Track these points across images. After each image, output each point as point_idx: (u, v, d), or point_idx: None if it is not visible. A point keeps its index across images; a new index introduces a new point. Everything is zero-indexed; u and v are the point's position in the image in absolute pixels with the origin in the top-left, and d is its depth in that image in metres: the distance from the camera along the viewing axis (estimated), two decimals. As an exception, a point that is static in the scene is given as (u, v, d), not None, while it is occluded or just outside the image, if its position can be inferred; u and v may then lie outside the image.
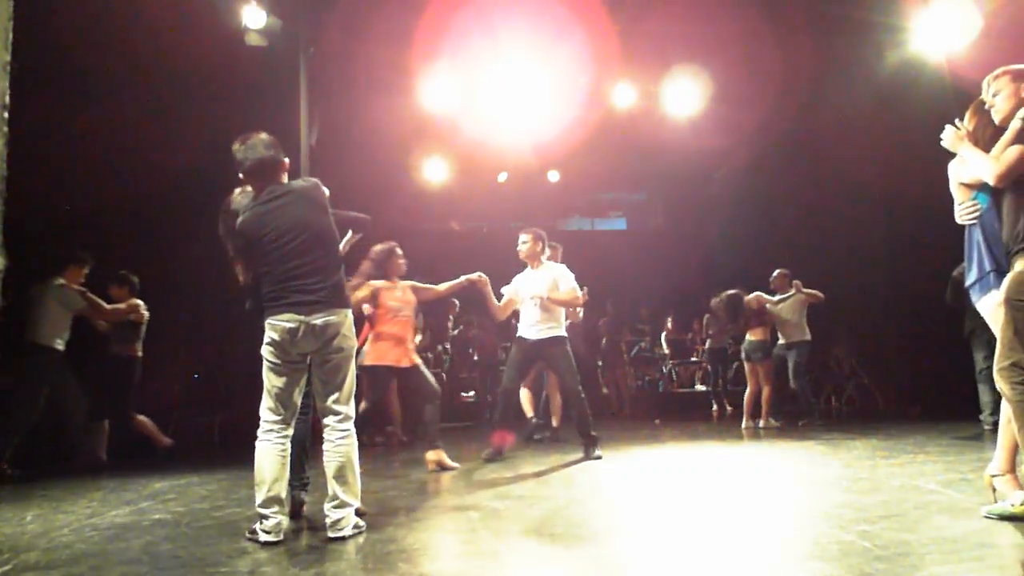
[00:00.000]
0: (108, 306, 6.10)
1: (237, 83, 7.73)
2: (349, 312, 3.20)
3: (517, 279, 5.86)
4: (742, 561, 2.47)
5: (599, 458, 5.38)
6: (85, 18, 6.53)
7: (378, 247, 5.32)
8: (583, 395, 5.59)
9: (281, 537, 2.99)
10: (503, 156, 11.33)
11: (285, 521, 3.05)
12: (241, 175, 3.26)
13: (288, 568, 2.59)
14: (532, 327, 5.64)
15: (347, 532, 3.01)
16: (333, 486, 3.07)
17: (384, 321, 5.24)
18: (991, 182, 2.79)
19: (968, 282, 3.15)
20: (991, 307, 2.98)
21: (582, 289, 6.76)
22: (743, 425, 7.61)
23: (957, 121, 3.08)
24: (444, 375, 10.52)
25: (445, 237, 13.94)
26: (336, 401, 3.14)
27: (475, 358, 11.18)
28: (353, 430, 3.18)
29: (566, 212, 16.07)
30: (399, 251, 5.35)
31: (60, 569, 2.69)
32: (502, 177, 12.79)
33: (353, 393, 3.23)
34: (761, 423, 7.53)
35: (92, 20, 6.58)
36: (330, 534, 3.01)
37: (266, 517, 2.99)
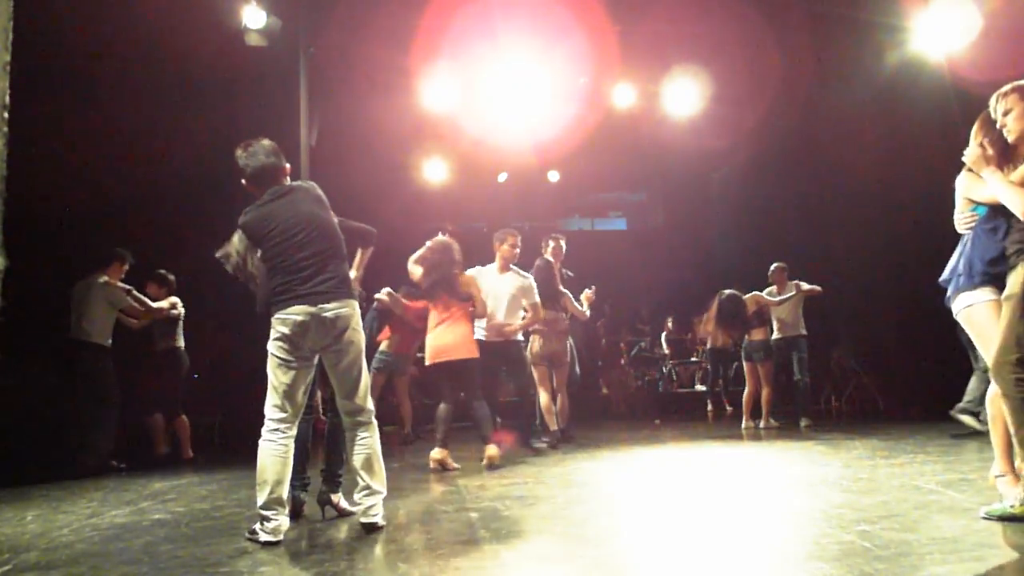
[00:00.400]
0: (154, 304, 6.26)
1: (237, 83, 7.74)
2: (357, 304, 3.24)
3: (486, 277, 5.85)
4: (742, 561, 2.47)
5: (539, 450, 5.73)
6: (85, 18, 6.53)
7: (434, 241, 5.47)
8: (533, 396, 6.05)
9: (281, 538, 2.99)
10: (503, 156, 11.32)
11: (286, 523, 3.06)
12: (243, 180, 3.30)
13: (288, 568, 2.59)
14: (491, 330, 5.71)
15: (379, 520, 3.08)
16: (362, 477, 3.13)
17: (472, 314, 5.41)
18: (1021, 218, 2.70)
19: (941, 277, 3.21)
20: (962, 305, 3.07)
21: (589, 288, 6.80)
22: (743, 425, 7.60)
23: (985, 141, 2.99)
24: None
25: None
26: (356, 398, 3.19)
27: None
28: (375, 423, 3.25)
29: (566, 212, 16.07)
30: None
31: (60, 569, 2.69)
32: (502, 177, 12.78)
33: (370, 387, 3.28)
34: (761, 423, 7.53)
35: (92, 20, 6.58)
36: (362, 520, 3.09)
37: (267, 519, 2.99)
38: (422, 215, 12.60)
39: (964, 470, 4.03)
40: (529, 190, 13.19)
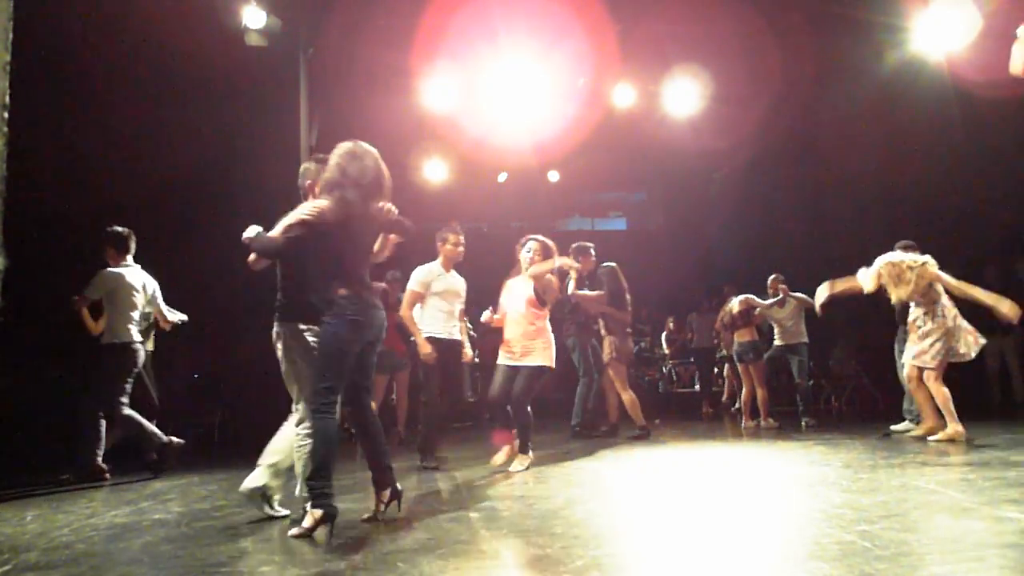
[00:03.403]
0: None
1: (237, 83, 7.74)
2: None
3: (441, 276, 5.53)
4: (742, 561, 2.47)
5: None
6: (85, 18, 6.53)
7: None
8: None
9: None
10: (503, 156, 11.33)
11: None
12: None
13: (288, 568, 2.59)
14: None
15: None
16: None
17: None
18: None
19: None
20: None
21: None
22: (743, 425, 7.62)
23: None
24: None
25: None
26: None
27: (475, 360, 11.16)
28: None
29: (566, 212, 16.08)
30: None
31: (60, 569, 2.68)
32: (502, 177, 12.78)
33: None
34: (762, 424, 7.54)
35: (92, 20, 6.58)
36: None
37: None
38: (422, 215, 12.61)
39: (964, 470, 4.03)
40: (529, 190, 13.20)
